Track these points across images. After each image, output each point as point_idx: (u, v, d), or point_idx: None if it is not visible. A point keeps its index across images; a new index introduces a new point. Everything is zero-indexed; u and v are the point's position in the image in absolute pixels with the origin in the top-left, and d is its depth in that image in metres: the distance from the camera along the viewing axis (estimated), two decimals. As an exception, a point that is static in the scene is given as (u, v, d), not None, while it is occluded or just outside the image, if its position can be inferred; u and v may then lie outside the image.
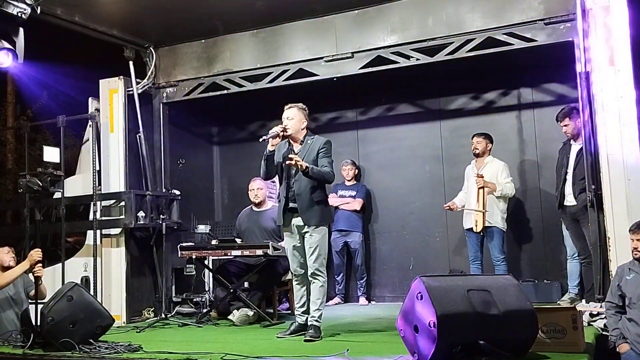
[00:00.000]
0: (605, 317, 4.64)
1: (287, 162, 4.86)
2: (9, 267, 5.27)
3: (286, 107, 5.14)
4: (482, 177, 6.30)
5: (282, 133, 4.98)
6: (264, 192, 6.60)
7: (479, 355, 3.59)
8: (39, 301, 5.01)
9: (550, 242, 6.84)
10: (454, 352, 3.61)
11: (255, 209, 6.69)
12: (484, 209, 6.26)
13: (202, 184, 8.34)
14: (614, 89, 5.15)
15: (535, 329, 3.83)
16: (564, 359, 3.78)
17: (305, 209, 4.95)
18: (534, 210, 7.03)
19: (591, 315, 4.96)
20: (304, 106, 5.14)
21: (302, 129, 5.09)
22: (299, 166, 4.81)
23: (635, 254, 4.42)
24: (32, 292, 5.21)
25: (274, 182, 6.34)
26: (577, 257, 5.96)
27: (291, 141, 5.12)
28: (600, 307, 4.93)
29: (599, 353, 4.32)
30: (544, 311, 4.08)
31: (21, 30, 5.50)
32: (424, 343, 3.66)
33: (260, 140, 5.02)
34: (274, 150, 5.06)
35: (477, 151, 6.60)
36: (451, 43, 6.00)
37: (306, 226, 4.97)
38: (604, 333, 4.63)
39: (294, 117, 5.06)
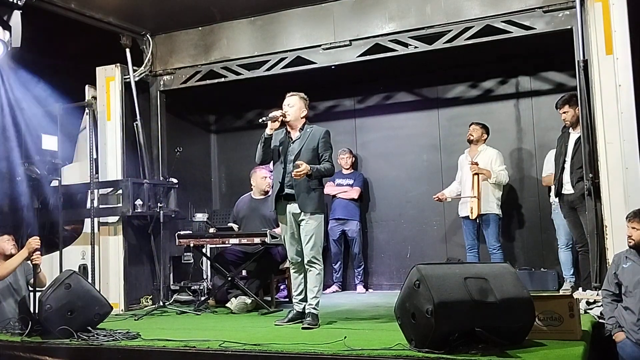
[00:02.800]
0: (601, 305, 4.66)
1: (294, 174, 4.87)
2: (10, 256, 5.26)
3: (288, 94, 5.17)
4: (477, 164, 6.37)
5: (281, 118, 5.01)
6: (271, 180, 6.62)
7: (476, 343, 3.60)
8: (34, 289, 5.02)
9: (547, 231, 6.85)
10: (451, 340, 3.63)
11: (255, 196, 6.69)
12: (478, 194, 6.31)
13: (199, 173, 8.33)
14: (612, 77, 5.14)
15: (532, 317, 3.85)
16: (560, 347, 3.80)
17: (302, 195, 4.96)
18: (531, 199, 7.04)
19: (588, 303, 4.98)
20: (305, 96, 5.18)
21: (302, 118, 5.12)
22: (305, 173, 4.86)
23: (630, 242, 4.44)
24: (32, 281, 5.22)
25: (271, 170, 6.34)
26: (570, 246, 6.01)
27: (289, 129, 5.14)
28: (597, 295, 4.94)
29: (595, 341, 4.34)
30: (540, 299, 4.10)
31: (18, 15, 5.44)
32: (421, 331, 3.68)
33: (260, 120, 5.06)
34: (272, 134, 5.06)
35: (472, 138, 6.64)
36: (449, 31, 5.97)
37: (302, 213, 4.98)
38: (600, 321, 4.65)
39: (294, 104, 5.09)
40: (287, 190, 5.05)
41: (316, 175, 4.97)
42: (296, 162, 4.91)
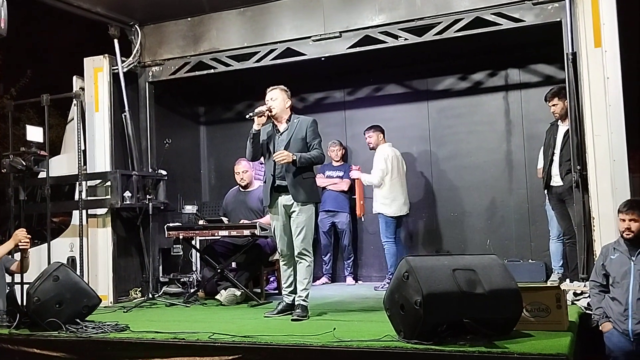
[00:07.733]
0: (588, 296, 4.69)
1: (276, 160, 4.91)
2: None
3: (268, 89, 5.19)
4: (357, 169, 6.86)
5: (267, 113, 5.01)
6: (249, 174, 6.60)
7: (464, 334, 3.62)
8: (20, 273, 4.99)
9: (536, 223, 6.90)
10: (439, 331, 3.65)
11: (242, 189, 6.68)
12: (358, 196, 6.94)
13: (189, 164, 8.30)
14: (600, 70, 5.16)
15: (519, 308, 3.87)
16: (547, 337, 3.82)
17: (294, 185, 4.97)
18: (520, 191, 7.07)
19: (575, 294, 5.02)
20: (286, 87, 5.20)
21: (286, 109, 5.13)
22: (288, 161, 4.88)
23: (628, 234, 4.31)
24: (12, 267, 5.18)
25: (262, 163, 6.32)
26: (562, 238, 6.03)
27: (275, 122, 5.14)
28: (584, 286, 4.98)
29: (582, 331, 4.37)
30: (528, 290, 4.13)
31: (4, 3, 5.36)
32: (410, 322, 3.70)
33: (247, 116, 5.07)
34: (260, 129, 5.06)
35: (372, 145, 6.92)
36: (439, 23, 5.96)
37: (293, 204, 4.99)
38: (587, 312, 4.69)
39: (277, 97, 5.11)
40: (278, 182, 5.06)
41: (303, 162, 4.96)
42: (274, 155, 4.94)
